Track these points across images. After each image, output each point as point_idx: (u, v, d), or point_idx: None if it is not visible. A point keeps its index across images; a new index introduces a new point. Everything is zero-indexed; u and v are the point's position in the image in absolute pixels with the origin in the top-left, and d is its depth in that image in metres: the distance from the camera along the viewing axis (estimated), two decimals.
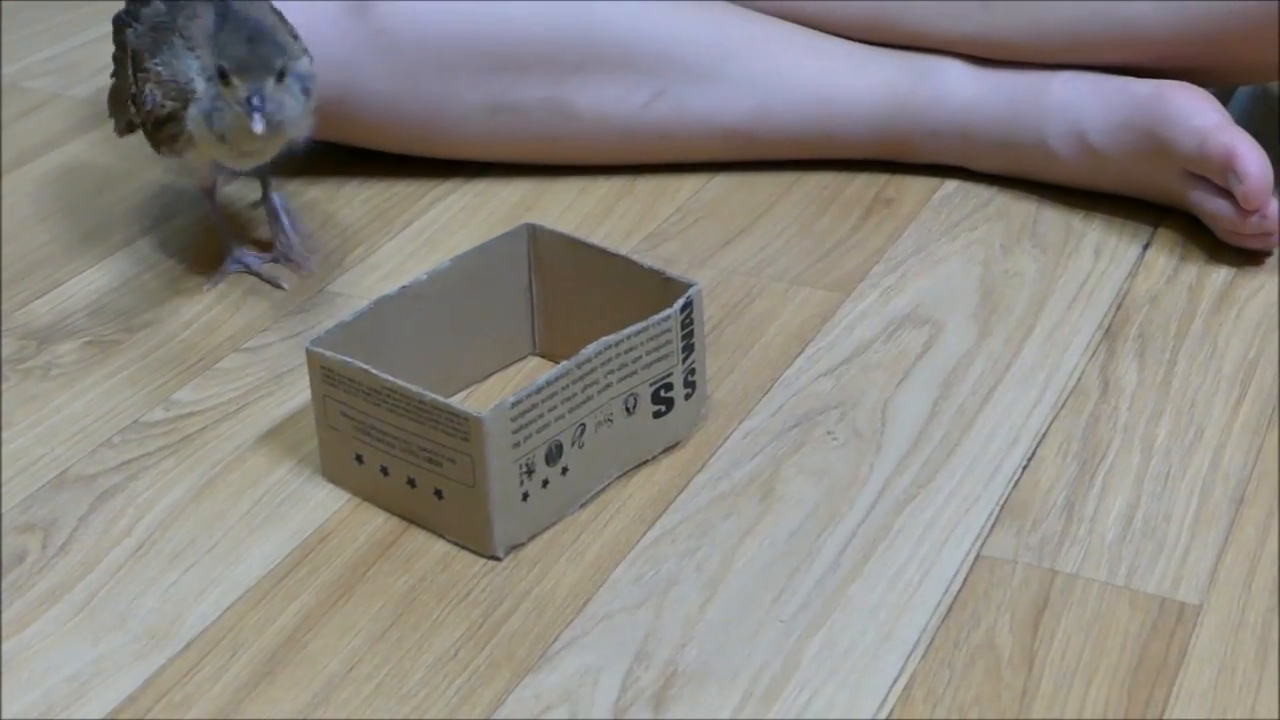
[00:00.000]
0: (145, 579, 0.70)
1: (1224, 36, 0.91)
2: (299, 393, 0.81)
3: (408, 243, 0.94)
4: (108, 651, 0.66)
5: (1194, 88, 0.91)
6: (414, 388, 0.70)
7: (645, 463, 0.76)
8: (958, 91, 0.97)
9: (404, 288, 0.77)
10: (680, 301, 0.75)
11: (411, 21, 0.95)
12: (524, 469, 0.70)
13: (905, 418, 0.79)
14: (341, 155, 1.01)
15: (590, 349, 0.72)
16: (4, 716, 0.63)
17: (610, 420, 0.74)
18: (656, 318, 0.74)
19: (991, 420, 0.79)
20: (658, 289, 0.77)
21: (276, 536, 0.72)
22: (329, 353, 0.73)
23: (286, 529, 0.73)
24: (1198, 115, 0.89)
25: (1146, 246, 0.92)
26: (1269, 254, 0.91)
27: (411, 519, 0.73)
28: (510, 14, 0.95)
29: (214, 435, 0.79)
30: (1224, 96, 1.07)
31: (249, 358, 0.84)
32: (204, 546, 0.72)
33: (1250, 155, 0.87)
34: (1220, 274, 0.90)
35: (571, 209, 0.97)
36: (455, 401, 0.71)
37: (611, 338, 0.73)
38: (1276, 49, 0.91)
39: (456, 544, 0.72)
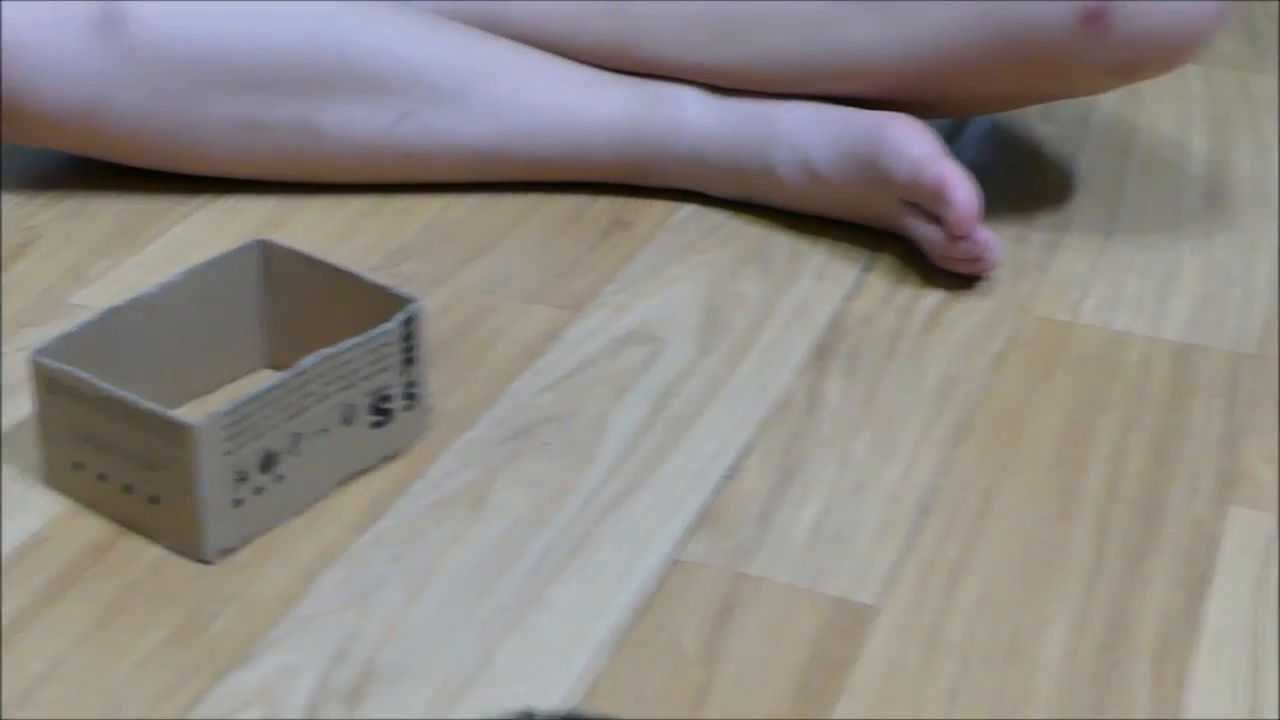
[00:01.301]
0: None
1: (943, 71, 0.96)
2: (29, 404, 0.83)
3: (152, 258, 0.96)
4: None
5: (912, 120, 0.96)
6: (131, 396, 0.72)
7: (364, 471, 0.79)
8: (692, 119, 1.01)
9: (133, 299, 0.79)
10: (401, 316, 0.78)
11: (163, 39, 0.97)
12: (237, 475, 0.73)
13: (620, 430, 0.83)
14: (91, 168, 1.03)
15: (308, 360, 0.75)
16: None
17: (327, 431, 0.76)
18: (376, 331, 0.77)
19: (701, 433, 0.83)
20: (383, 304, 0.80)
21: None
22: (52, 362, 0.75)
23: (3, 533, 0.74)
24: (913, 146, 0.94)
25: (866, 270, 0.97)
26: (979, 278, 0.96)
27: (128, 525, 0.75)
28: (261, 34, 0.98)
29: None
30: (958, 129, 1.13)
31: None
32: None
33: (959, 184, 0.92)
34: (933, 297, 0.95)
35: (318, 226, 1.00)
36: (171, 410, 0.73)
37: (329, 350, 0.75)
38: (992, 83, 0.96)
39: (171, 549, 0.74)
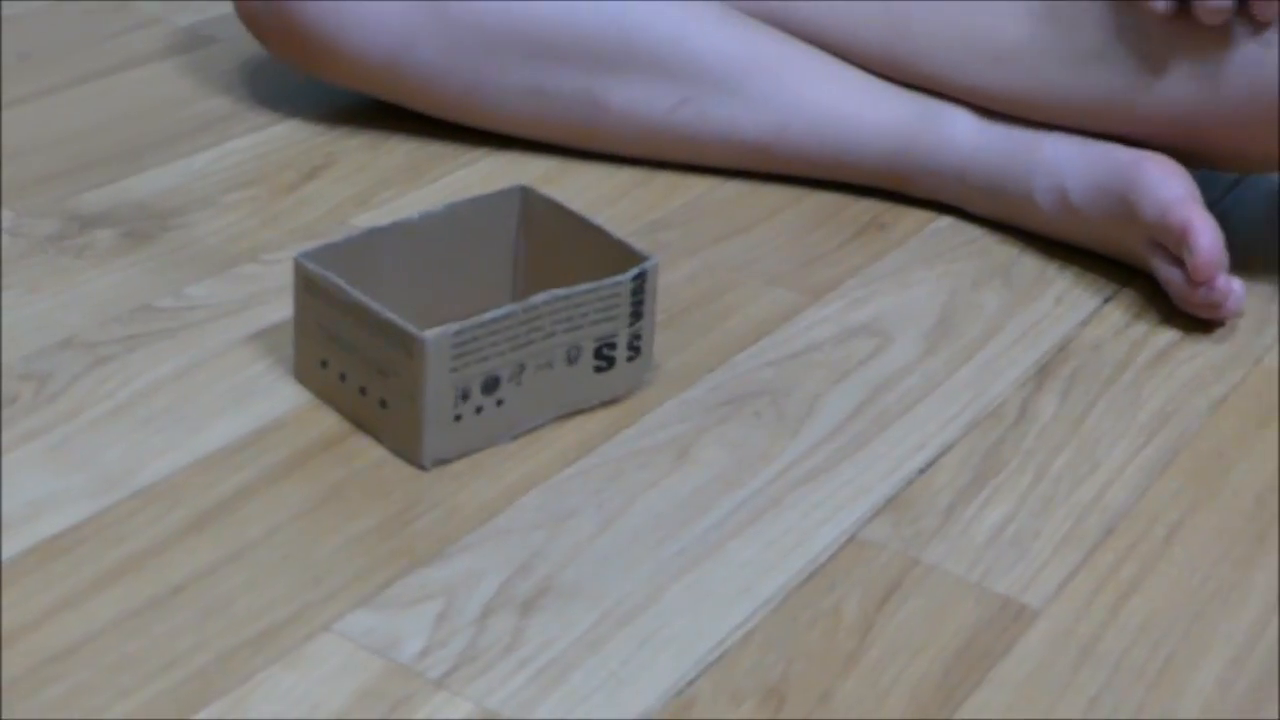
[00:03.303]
0: (115, 434, 0.79)
1: (1203, 130, 0.97)
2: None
3: (433, 195, 1.03)
4: (66, 486, 0.75)
5: (1169, 162, 0.97)
6: (375, 304, 0.79)
7: (581, 412, 0.84)
8: (959, 138, 1.04)
9: (396, 223, 0.86)
10: (634, 271, 0.83)
11: (467, 3, 1.04)
12: (460, 393, 0.79)
13: (830, 411, 0.86)
14: (391, 111, 1.10)
15: (539, 297, 0.80)
16: None
17: (550, 365, 0.82)
18: (608, 281, 0.82)
19: (907, 426, 0.86)
20: (623, 259, 0.85)
21: (239, 419, 0.81)
22: (312, 265, 0.82)
23: (249, 414, 0.82)
24: (1165, 187, 0.96)
25: (1107, 300, 0.99)
26: (1219, 325, 0.97)
27: (359, 423, 0.82)
28: (556, 9, 1.04)
29: (211, 328, 0.88)
30: (1237, 181, 1.13)
31: (261, 269, 0.94)
32: (174, 417, 0.81)
33: (1204, 231, 0.93)
34: (1166, 335, 0.96)
35: (590, 188, 1.06)
36: (408, 323, 0.79)
37: (561, 291, 0.81)
38: (1254, 143, 0.97)
39: (393, 451, 0.80)
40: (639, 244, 0.86)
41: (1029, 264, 1.02)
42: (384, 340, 0.78)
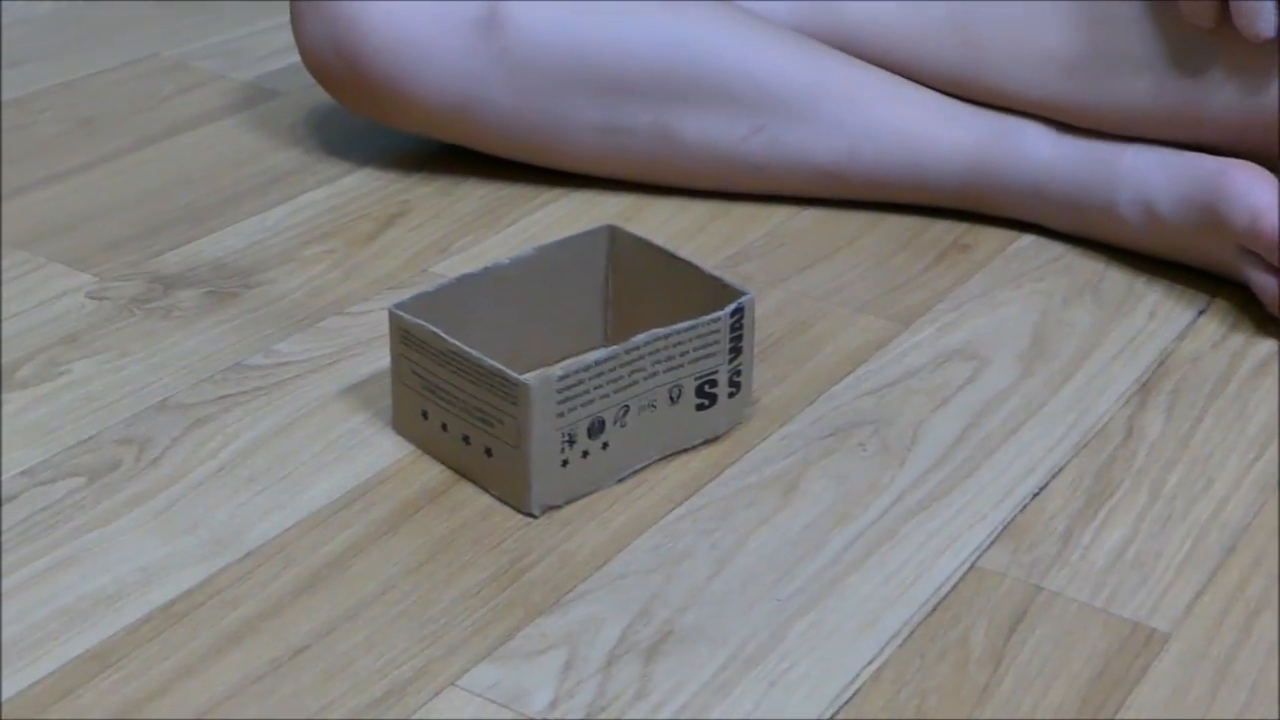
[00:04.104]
0: (220, 495, 0.78)
1: None
2: (386, 355, 0.89)
3: (511, 238, 1.02)
4: (176, 551, 0.75)
5: (1258, 169, 0.96)
6: (475, 353, 0.78)
7: (684, 450, 0.83)
8: (1036, 153, 1.03)
9: (486, 268, 0.85)
10: (731, 306, 0.82)
11: (534, 42, 1.03)
12: (566, 438, 0.78)
13: (934, 439, 0.85)
14: (463, 155, 1.10)
15: (640, 338, 0.79)
16: (78, 593, 0.72)
17: (653, 406, 0.81)
18: (706, 318, 0.81)
19: (1014, 451, 0.85)
20: (717, 295, 0.84)
21: (341, 474, 0.80)
22: (408, 315, 0.81)
23: (351, 469, 0.81)
24: (1254, 194, 0.94)
25: (1201, 312, 0.97)
26: None
27: (463, 473, 0.81)
28: (626, 41, 1.03)
29: (304, 383, 0.87)
30: None
31: (348, 321, 0.93)
32: (277, 475, 0.80)
33: None
34: (1266, 345, 0.94)
35: (668, 223, 1.05)
36: (509, 370, 0.78)
37: (661, 330, 0.80)
38: None
39: (500, 499, 0.79)
40: (716, 272, 0.85)
41: (1117, 278, 1.01)
42: (486, 388, 0.77)
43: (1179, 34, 0.97)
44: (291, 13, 1.07)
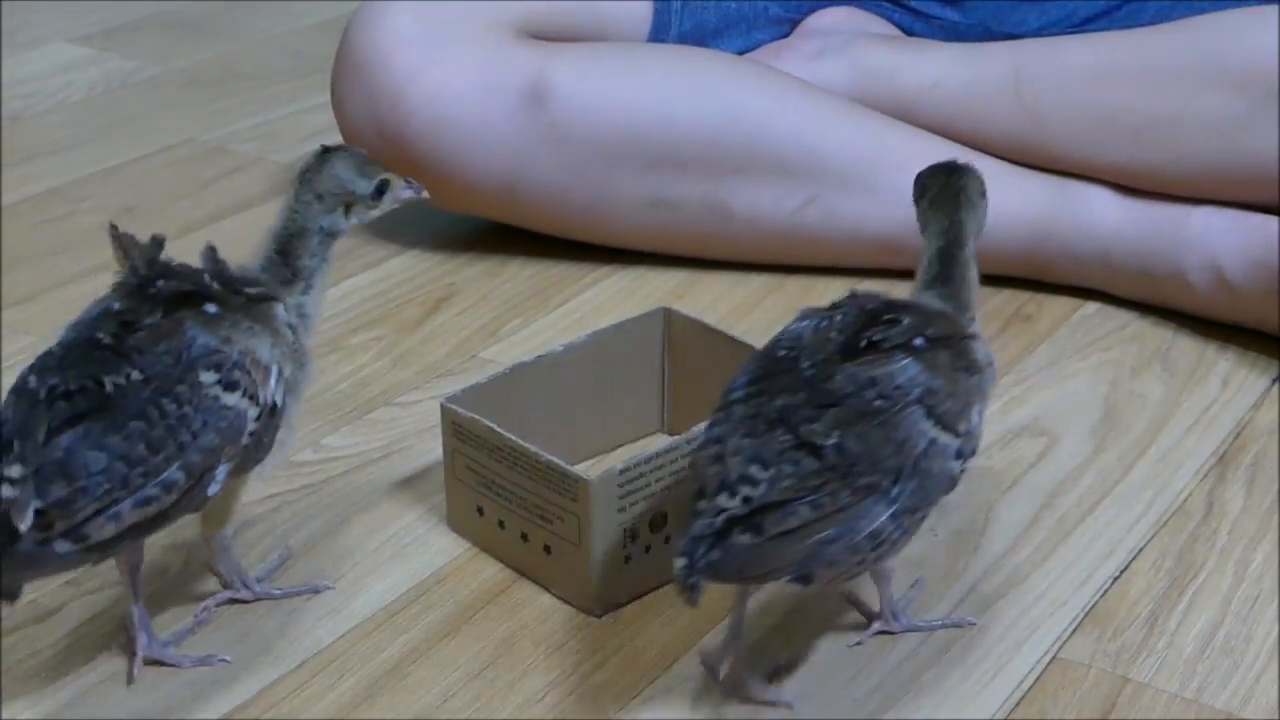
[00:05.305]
0: (271, 601, 0.76)
1: None
2: (437, 447, 0.86)
3: (562, 319, 1.00)
4: (229, 662, 0.72)
5: None
6: (532, 448, 0.75)
7: None
8: (1101, 219, 1.00)
9: (540, 356, 0.83)
10: None
11: (582, 117, 1.01)
12: (628, 533, 0.75)
13: (1007, 521, 0.82)
14: (508, 233, 1.07)
15: (701, 427, 0.76)
16: (128, 709, 0.69)
17: None
18: None
19: (1091, 531, 0.82)
20: None
21: (396, 575, 0.78)
22: (461, 409, 0.78)
23: (407, 569, 0.78)
24: None
25: (1275, 380, 0.94)
26: None
27: (522, 571, 0.78)
28: (674, 115, 1.01)
29: (355, 479, 0.85)
30: None
31: (397, 412, 0.90)
32: (330, 578, 0.77)
33: None
34: None
35: (722, 299, 1.02)
36: (568, 465, 0.75)
37: None
38: None
39: (561, 598, 0.76)
40: None
41: (1186, 346, 0.98)
42: (544, 484, 0.75)
43: (1250, 92, 0.94)
44: (333, 93, 1.05)
